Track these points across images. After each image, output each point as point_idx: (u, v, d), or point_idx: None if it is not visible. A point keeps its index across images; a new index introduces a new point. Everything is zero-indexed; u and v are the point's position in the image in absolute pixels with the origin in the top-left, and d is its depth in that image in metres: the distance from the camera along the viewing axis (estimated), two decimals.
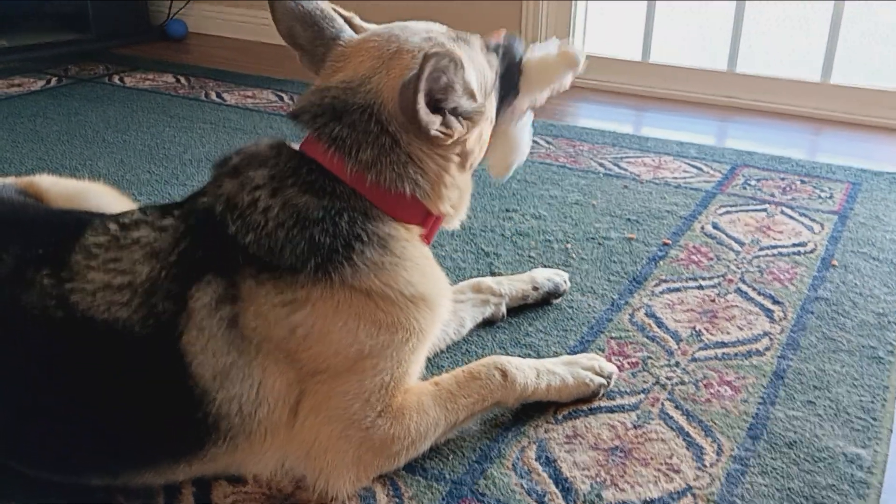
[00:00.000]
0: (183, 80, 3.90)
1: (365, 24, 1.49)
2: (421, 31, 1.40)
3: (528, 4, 3.87)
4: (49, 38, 4.49)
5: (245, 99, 3.59)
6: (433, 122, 1.30)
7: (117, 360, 1.27)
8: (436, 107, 1.31)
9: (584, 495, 1.37)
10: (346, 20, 1.47)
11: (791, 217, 2.42)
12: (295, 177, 1.32)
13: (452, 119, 1.33)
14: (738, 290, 2.01)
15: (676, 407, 1.59)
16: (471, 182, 1.50)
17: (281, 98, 3.60)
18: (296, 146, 1.38)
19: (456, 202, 1.45)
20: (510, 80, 1.53)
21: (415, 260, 1.38)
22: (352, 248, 1.30)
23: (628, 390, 1.63)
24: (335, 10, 1.46)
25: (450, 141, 1.34)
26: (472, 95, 1.37)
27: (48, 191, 1.59)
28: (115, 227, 1.34)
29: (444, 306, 1.46)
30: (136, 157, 2.89)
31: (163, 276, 1.28)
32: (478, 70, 1.41)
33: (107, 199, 1.66)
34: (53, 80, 3.88)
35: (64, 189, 1.62)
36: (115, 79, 3.92)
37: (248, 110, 3.43)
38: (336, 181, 1.33)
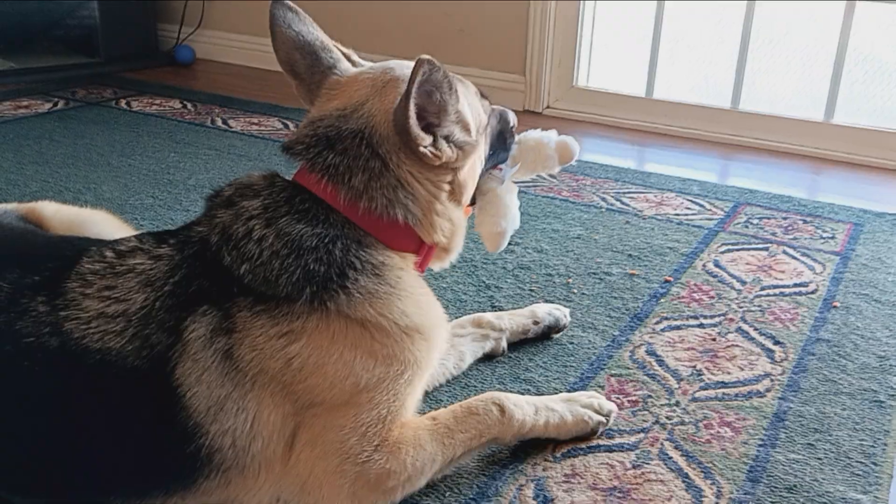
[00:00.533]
0: (189, 105, 3.92)
1: (362, 61, 1.51)
2: (404, 67, 1.42)
3: (533, 39, 3.89)
4: (58, 60, 4.53)
5: (250, 126, 3.61)
6: (423, 138, 1.31)
7: (110, 391, 1.26)
8: (429, 130, 1.33)
9: None
10: (345, 55, 1.50)
11: (793, 257, 2.42)
12: (288, 206, 1.33)
13: (443, 142, 1.35)
14: (740, 330, 2.00)
15: (676, 447, 1.58)
16: (465, 222, 1.50)
17: (286, 126, 3.62)
18: (289, 177, 1.39)
19: (448, 235, 1.45)
20: (503, 139, 1.59)
21: (409, 290, 1.38)
22: (346, 277, 1.30)
23: (628, 429, 1.62)
24: (335, 45, 1.49)
25: (438, 163, 1.35)
26: (466, 127, 1.38)
27: (50, 218, 1.59)
28: (112, 254, 1.34)
29: (441, 337, 1.46)
30: (141, 181, 2.90)
31: (157, 306, 1.27)
32: (472, 107, 1.43)
33: (108, 227, 1.66)
34: (61, 103, 3.91)
35: (66, 216, 1.63)
36: (123, 103, 3.95)
37: (253, 137, 3.45)
38: (329, 210, 1.34)
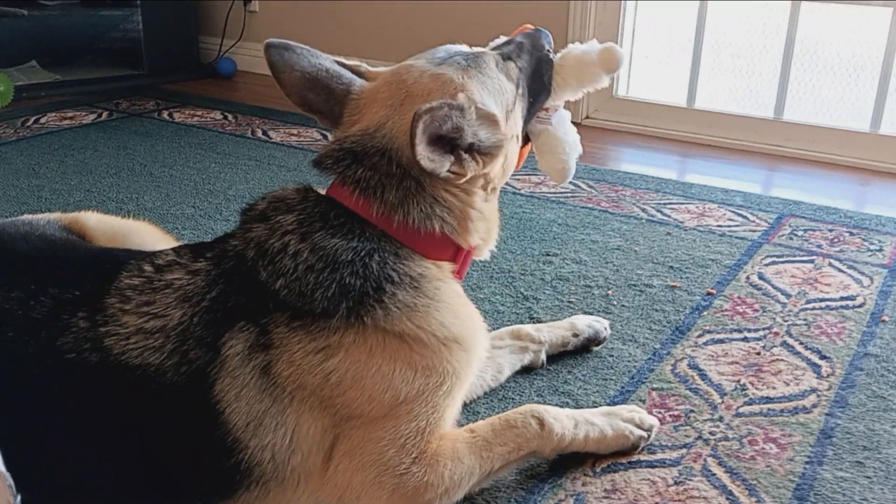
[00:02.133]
0: (230, 116, 3.96)
1: (373, 70, 1.47)
2: (428, 71, 1.39)
3: None
4: (102, 72, 4.62)
5: (290, 137, 3.63)
6: (442, 167, 1.29)
7: (150, 407, 1.27)
8: (450, 146, 1.30)
9: None
10: (353, 70, 1.45)
11: (839, 269, 2.37)
12: (323, 221, 1.33)
13: (466, 158, 1.32)
14: (785, 344, 1.95)
15: (719, 464, 1.54)
16: (497, 210, 1.48)
17: (325, 137, 3.63)
18: (321, 191, 1.39)
19: (484, 234, 1.45)
20: (541, 78, 1.52)
21: (448, 300, 1.37)
22: (383, 291, 1.29)
23: (670, 444, 1.59)
24: (340, 63, 1.44)
25: (463, 180, 1.34)
26: (491, 120, 1.35)
27: (93, 228, 1.61)
28: (150, 268, 1.35)
29: (480, 347, 1.44)
30: (182, 191, 2.93)
31: (195, 322, 1.28)
32: (494, 91, 1.40)
33: (150, 237, 1.68)
34: (104, 114, 3.97)
35: (108, 227, 1.64)
36: (165, 114, 4.00)
37: (292, 148, 3.47)
38: (364, 223, 1.33)
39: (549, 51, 1.55)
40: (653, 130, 3.78)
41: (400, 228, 1.33)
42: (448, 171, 1.31)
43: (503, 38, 1.55)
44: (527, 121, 1.52)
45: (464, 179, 1.34)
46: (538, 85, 1.52)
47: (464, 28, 4.17)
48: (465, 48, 1.47)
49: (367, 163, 1.34)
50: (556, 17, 3.88)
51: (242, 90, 4.60)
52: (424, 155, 1.25)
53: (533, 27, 1.58)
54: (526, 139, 1.56)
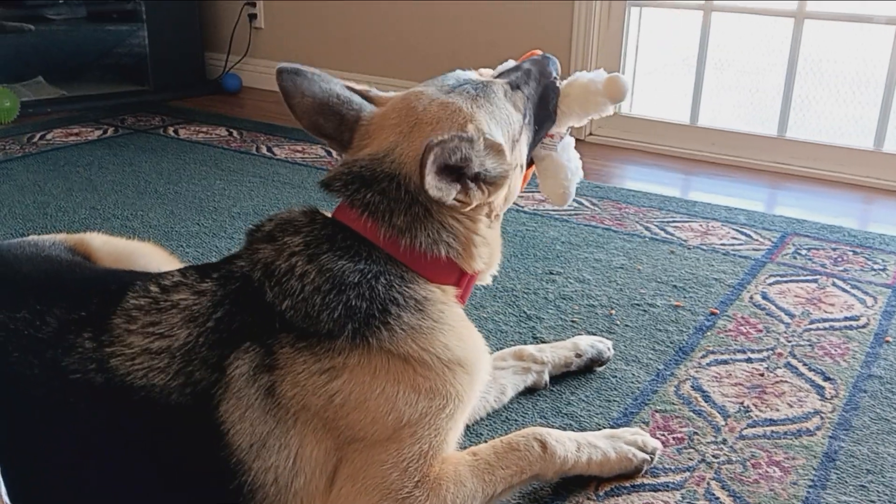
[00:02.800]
0: (235, 133, 3.98)
1: (382, 95, 1.48)
2: (437, 99, 1.39)
3: (576, 67, 3.89)
4: (108, 88, 4.65)
5: (294, 153, 3.65)
6: (448, 195, 1.30)
7: (154, 427, 1.27)
8: (460, 173, 1.31)
9: None
10: (362, 94, 1.47)
11: (843, 289, 2.36)
12: (330, 243, 1.34)
13: (473, 187, 1.33)
14: (788, 365, 1.95)
15: (723, 487, 1.54)
16: (499, 235, 1.49)
17: (329, 153, 3.64)
18: (327, 213, 1.40)
19: (487, 259, 1.45)
20: (546, 105, 1.53)
21: (452, 323, 1.37)
22: (388, 312, 1.30)
23: (673, 467, 1.59)
24: (349, 88, 1.46)
25: (468, 209, 1.35)
26: (498, 152, 1.36)
27: (98, 250, 1.61)
28: (156, 289, 1.35)
29: (483, 370, 1.44)
30: (187, 208, 2.94)
31: (200, 342, 1.28)
32: (501, 121, 1.41)
33: (155, 259, 1.68)
34: (110, 130, 3.99)
35: (114, 248, 1.65)
36: (170, 130, 4.02)
37: (297, 165, 3.49)
38: (371, 246, 1.34)
39: (556, 78, 1.56)
40: (656, 148, 3.79)
41: (407, 252, 1.34)
42: (454, 199, 1.32)
43: (511, 63, 1.56)
44: (532, 148, 1.54)
45: (469, 208, 1.35)
46: (544, 112, 1.53)
47: (468, 47, 4.19)
48: (474, 76, 1.48)
49: (375, 187, 1.34)
50: (558, 39, 3.90)
51: (248, 106, 4.62)
52: (433, 185, 1.26)
53: (541, 53, 1.59)
54: (529, 162, 1.57)
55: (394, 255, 1.34)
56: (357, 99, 1.45)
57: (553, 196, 1.61)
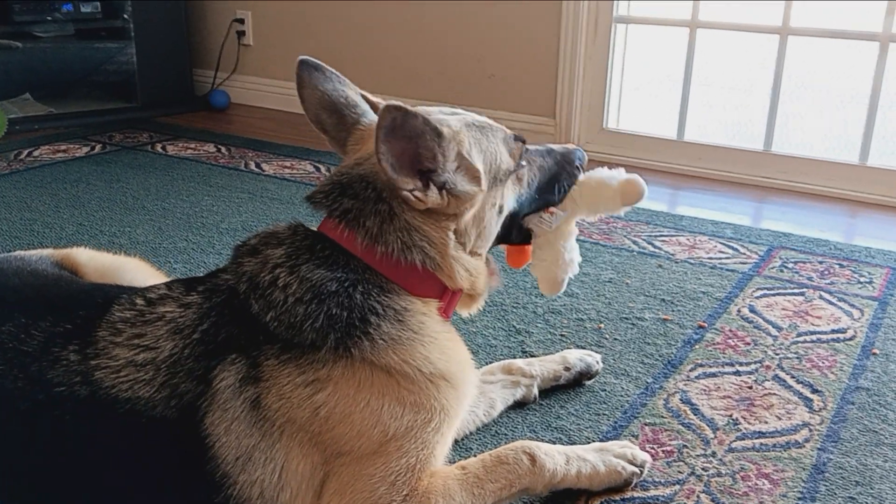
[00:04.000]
0: (223, 149, 3.98)
1: None
2: (432, 115, 1.39)
3: (563, 82, 3.91)
4: (96, 105, 4.64)
5: (283, 169, 3.65)
6: (403, 182, 1.30)
7: (139, 440, 1.26)
8: (425, 176, 1.31)
9: None
10: (373, 106, 1.50)
11: (830, 302, 2.38)
12: (310, 253, 1.34)
13: (432, 188, 1.33)
14: (776, 378, 1.96)
15: (713, 500, 1.54)
16: (484, 270, 1.48)
17: (318, 169, 3.65)
18: (314, 227, 1.40)
19: (468, 282, 1.43)
20: (553, 185, 1.54)
21: (433, 336, 1.37)
22: (368, 322, 1.30)
23: (663, 481, 1.59)
24: (364, 97, 1.50)
25: (423, 207, 1.33)
26: (473, 175, 1.36)
27: (84, 265, 1.61)
28: (142, 302, 1.35)
29: (469, 385, 1.44)
30: (175, 224, 2.93)
31: (185, 354, 1.28)
32: (486, 153, 1.41)
33: (141, 274, 1.68)
34: (98, 147, 3.99)
35: (100, 263, 1.65)
36: (158, 147, 4.02)
37: (285, 180, 3.48)
38: (349, 255, 1.34)
39: (578, 167, 1.57)
40: (643, 163, 3.81)
41: (383, 260, 1.34)
42: (409, 190, 1.31)
43: (549, 146, 1.58)
44: (527, 212, 1.53)
45: (423, 207, 1.34)
46: (549, 190, 1.54)
47: (456, 62, 4.21)
48: (484, 118, 1.49)
49: (350, 192, 1.36)
50: (545, 56, 3.92)
51: (236, 123, 4.62)
52: (385, 151, 1.25)
53: (575, 146, 1.60)
54: (527, 239, 1.56)
55: (371, 264, 1.34)
56: (364, 106, 1.49)
57: (542, 280, 1.59)
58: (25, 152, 3.84)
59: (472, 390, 1.47)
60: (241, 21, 4.89)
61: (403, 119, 1.25)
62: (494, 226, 1.46)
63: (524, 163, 1.49)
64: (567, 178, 1.56)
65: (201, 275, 1.46)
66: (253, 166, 3.69)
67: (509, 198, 1.47)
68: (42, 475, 1.29)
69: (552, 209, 1.55)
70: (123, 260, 1.73)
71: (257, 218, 3.01)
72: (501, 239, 1.53)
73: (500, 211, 1.46)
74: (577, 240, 1.61)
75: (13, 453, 1.28)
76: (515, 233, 1.54)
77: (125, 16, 4.58)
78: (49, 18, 4.49)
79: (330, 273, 1.32)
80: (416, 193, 1.32)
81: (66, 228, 2.87)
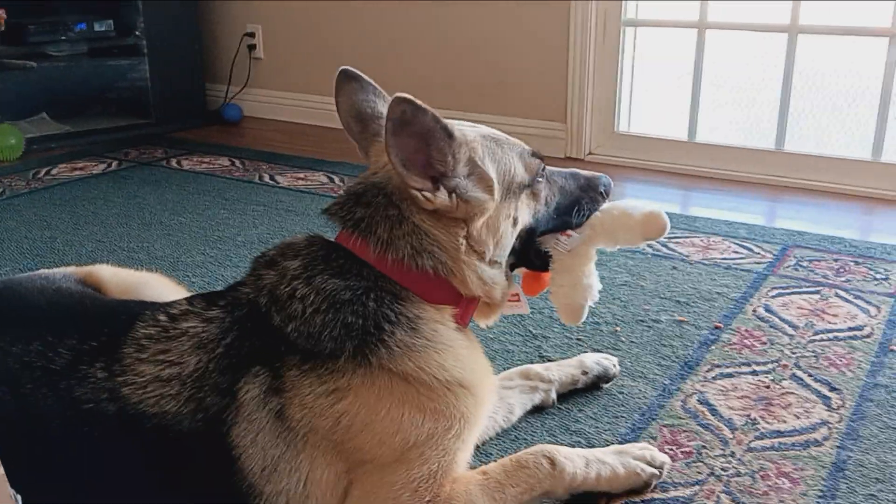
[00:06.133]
0: (238, 162, 4.01)
1: None
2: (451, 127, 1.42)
3: (574, 87, 3.93)
4: (111, 123, 4.70)
5: (297, 181, 3.68)
6: (411, 179, 1.31)
7: (167, 454, 1.29)
8: (437, 178, 1.33)
9: None
10: None
11: (846, 300, 2.38)
12: (325, 264, 1.37)
13: (443, 191, 1.34)
14: (794, 376, 1.96)
15: (733, 500, 1.54)
16: (502, 281, 1.47)
17: (332, 179, 3.68)
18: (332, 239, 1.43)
19: (482, 290, 1.44)
20: (576, 207, 1.54)
21: (448, 343, 1.38)
22: (383, 329, 1.32)
23: (682, 482, 1.60)
24: None
25: (431, 207, 1.34)
26: (485, 183, 1.38)
27: (107, 281, 1.64)
28: (165, 318, 1.38)
29: (488, 391, 1.45)
30: (192, 239, 2.96)
31: (210, 368, 1.30)
32: (500, 163, 1.42)
33: (164, 289, 1.71)
34: (114, 164, 4.03)
35: (122, 280, 1.67)
36: (173, 162, 4.06)
37: (300, 192, 3.51)
38: (363, 264, 1.36)
39: (602, 193, 1.56)
40: (655, 165, 3.82)
41: (395, 267, 1.36)
42: (418, 189, 1.32)
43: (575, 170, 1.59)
44: (543, 227, 1.52)
45: (431, 207, 1.35)
46: (568, 212, 1.53)
47: (466, 69, 4.23)
48: (502, 133, 1.51)
49: (363, 201, 1.39)
50: (555, 59, 3.94)
51: (249, 136, 4.66)
52: (394, 144, 1.27)
53: (602, 174, 1.59)
54: (545, 265, 1.55)
55: (384, 271, 1.36)
56: None
57: (562, 308, 1.57)
58: (43, 171, 3.89)
59: (491, 397, 1.48)
60: (252, 35, 4.94)
61: (413, 113, 1.26)
62: (510, 237, 1.46)
63: (540, 179, 1.49)
64: (589, 203, 1.55)
65: (220, 288, 1.49)
66: (267, 179, 3.72)
67: (524, 212, 1.47)
68: (72, 492, 1.31)
69: (569, 232, 1.54)
70: (145, 276, 1.76)
71: (273, 230, 3.04)
72: (519, 261, 1.53)
73: (515, 223, 1.46)
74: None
75: (44, 470, 1.30)
76: (533, 254, 1.53)
77: (137, 33, 4.63)
78: (63, 38, 4.55)
79: (343, 282, 1.34)
80: (425, 193, 1.34)
81: (85, 245, 2.91)
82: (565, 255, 1.53)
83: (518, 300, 1.59)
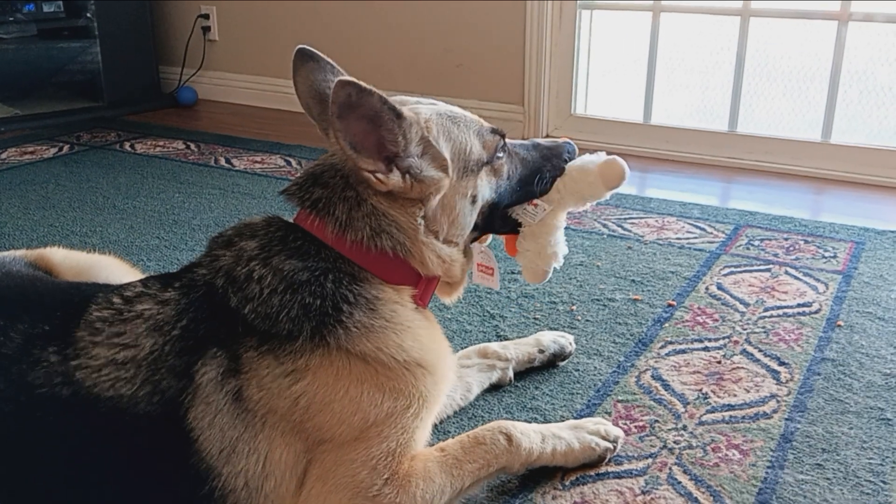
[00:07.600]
0: (193, 146, 3.97)
1: None
2: (407, 105, 1.42)
3: (531, 70, 3.94)
4: (62, 106, 4.60)
5: (253, 164, 3.65)
6: (362, 161, 1.31)
7: (123, 437, 1.28)
8: (392, 161, 1.33)
9: None
10: None
11: (795, 277, 2.43)
12: (282, 244, 1.36)
13: (395, 171, 1.34)
14: (744, 352, 2.01)
15: (685, 472, 1.58)
16: (460, 258, 1.49)
17: (289, 163, 3.66)
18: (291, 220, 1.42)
19: (441, 269, 1.45)
20: (537, 177, 1.54)
21: (406, 324, 1.39)
22: (341, 311, 1.32)
23: (636, 455, 1.63)
24: None
25: (384, 189, 1.34)
26: (439, 162, 1.38)
27: (59, 264, 1.62)
28: (119, 300, 1.36)
29: (447, 371, 1.47)
30: (146, 223, 2.93)
31: (166, 351, 1.29)
32: (455, 142, 1.42)
33: (116, 271, 1.69)
34: (66, 148, 3.96)
35: (74, 262, 1.65)
36: (127, 145, 4.00)
37: (256, 175, 3.49)
38: (321, 245, 1.36)
39: (566, 160, 1.57)
40: (611, 147, 3.84)
41: (354, 248, 1.36)
42: (371, 172, 1.32)
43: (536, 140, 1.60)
44: (507, 201, 1.53)
45: (385, 189, 1.35)
46: (529, 181, 1.54)
47: (423, 53, 4.22)
48: (460, 110, 1.50)
49: (321, 181, 1.39)
50: (511, 43, 3.95)
51: (204, 119, 4.60)
52: (342, 128, 1.26)
53: (566, 140, 1.60)
54: (515, 229, 1.57)
55: (342, 252, 1.36)
56: None
57: (526, 270, 1.60)
58: None
59: (450, 376, 1.49)
60: (207, 16, 4.87)
61: (359, 96, 1.26)
62: (468, 215, 1.46)
63: (500, 155, 1.50)
64: (551, 170, 1.55)
65: (175, 270, 1.47)
66: (223, 162, 3.69)
67: (484, 188, 1.47)
68: (27, 476, 1.29)
69: (536, 201, 1.55)
70: (98, 258, 1.73)
71: (229, 213, 3.01)
72: (486, 228, 1.54)
73: (474, 201, 1.46)
74: None
75: None
76: (500, 223, 1.55)
77: (88, 14, 4.54)
78: (11, 19, 4.45)
79: (301, 263, 1.34)
80: (378, 175, 1.33)
81: (37, 230, 2.86)
82: (529, 223, 1.55)
83: (492, 274, 1.60)
